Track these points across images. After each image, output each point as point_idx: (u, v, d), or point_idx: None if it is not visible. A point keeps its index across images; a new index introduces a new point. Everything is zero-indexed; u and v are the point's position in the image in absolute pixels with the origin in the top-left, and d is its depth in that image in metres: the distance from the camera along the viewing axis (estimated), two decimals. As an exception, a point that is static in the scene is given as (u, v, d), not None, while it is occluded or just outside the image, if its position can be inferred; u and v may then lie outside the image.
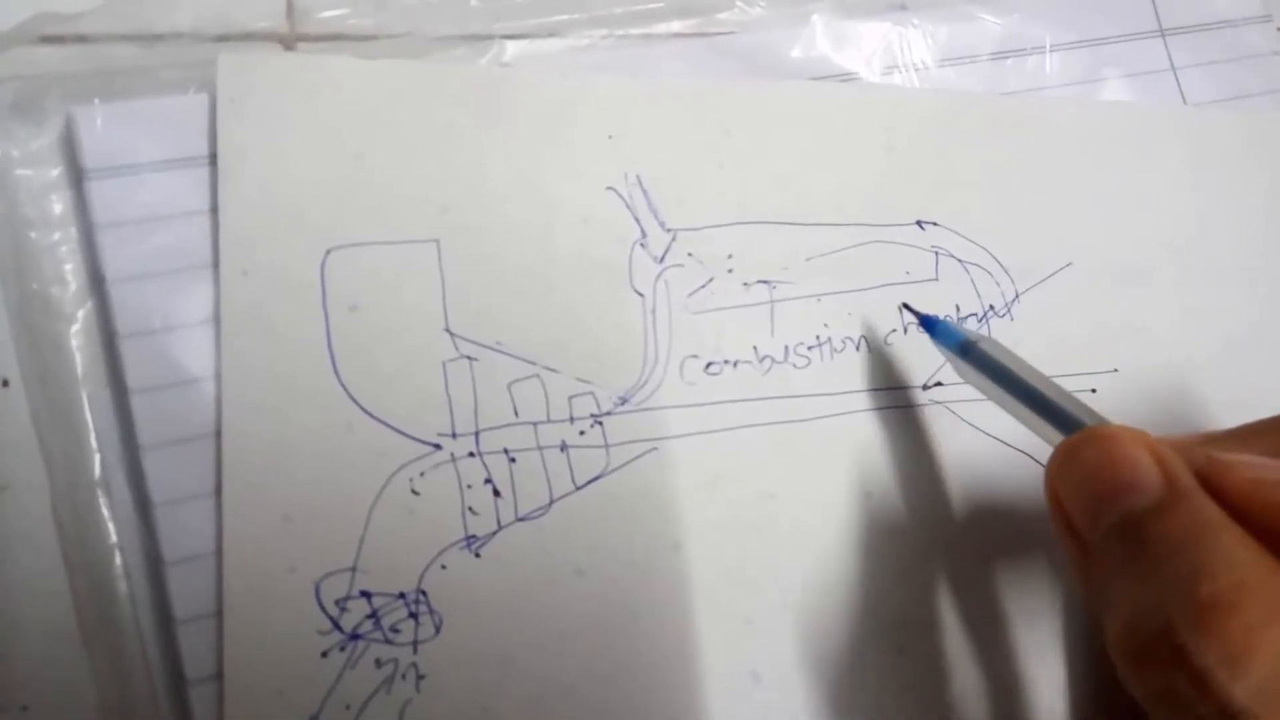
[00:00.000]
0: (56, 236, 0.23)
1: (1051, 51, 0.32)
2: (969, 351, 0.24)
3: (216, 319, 0.23)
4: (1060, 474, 0.21)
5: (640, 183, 0.26)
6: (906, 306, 0.27)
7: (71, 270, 0.23)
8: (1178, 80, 0.33)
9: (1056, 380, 0.23)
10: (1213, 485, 0.19)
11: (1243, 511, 0.18)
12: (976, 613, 0.26)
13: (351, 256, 0.23)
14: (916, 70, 0.30)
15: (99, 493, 0.22)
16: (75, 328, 0.22)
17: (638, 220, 0.26)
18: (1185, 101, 0.33)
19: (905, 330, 0.28)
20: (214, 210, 0.23)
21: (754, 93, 0.28)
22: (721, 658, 0.24)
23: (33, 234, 0.22)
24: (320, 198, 0.23)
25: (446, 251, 0.24)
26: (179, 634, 0.22)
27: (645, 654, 0.24)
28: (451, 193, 0.24)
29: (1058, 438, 0.22)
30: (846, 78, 0.29)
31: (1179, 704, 0.17)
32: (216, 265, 0.23)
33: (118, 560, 0.22)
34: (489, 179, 0.25)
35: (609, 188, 0.26)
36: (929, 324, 0.26)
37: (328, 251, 0.23)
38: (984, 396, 0.24)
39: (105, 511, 0.22)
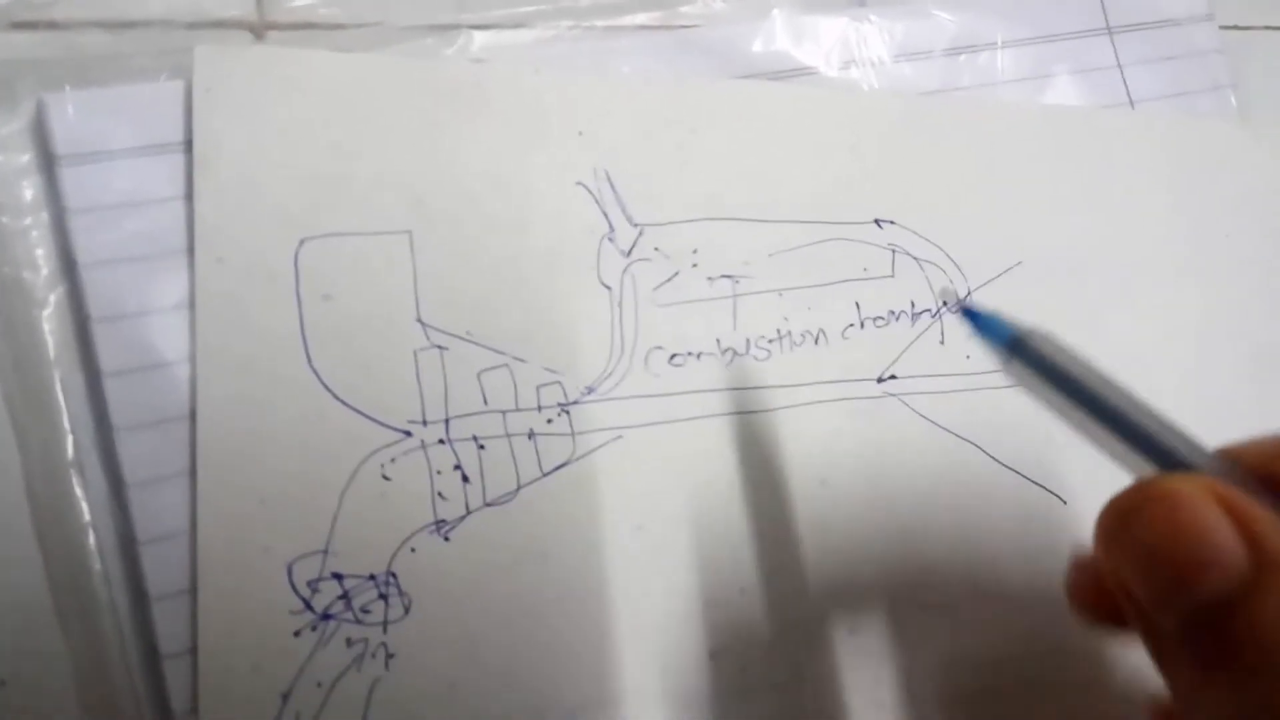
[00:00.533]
0: (28, 221, 0.23)
1: (1003, 48, 0.33)
2: (1018, 349, 0.20)
3: (190, 304, 0.23)
4: (1114, 541, 0.17)
5: (609, 178, 0.27)
6: (955, 300, 0.25)
7: (43, 255, 0.23)
8: (1124, 77, 0.34)
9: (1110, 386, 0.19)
10: None
11: None
12: (925, 597, 0.28)
13: (325, 246, 0.24)
14: (873, 65, 0.31)
15: (73, 474, 0.23)
16: (48, 311, 0.23)
17: (606, 215, 0.26)
18: (1130, 97, 0.34)
19: (862, 325, 0.29)
20: (187, 197, 0.23)
21: (719, 92, 0.28)
22: (680, 637, 0.25)
23: (4, 219, 0.23)
24: (295, 188, 0.24)
25: (419, 243, 0.25)
26: (153, 610, 0.22)
27: (607, 633, 0.25)
28: (425, 185, 0.25)
29: (1128, 455, 0.18)
30: (805, 72, 0.30)
31: None
32: (191, 251, 0.23)
33: (92, 539, 0.22)
34: (462, 172, 0.25)
35: (579, 183, 0.26)
36: (973, 316, 0.22)
37: (302, 241, 0.24)
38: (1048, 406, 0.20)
39: (79, 492, 0.23)
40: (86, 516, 0.22)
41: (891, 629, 0.27)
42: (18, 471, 0.22)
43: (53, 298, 0.23)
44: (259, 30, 0.26)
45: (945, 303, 0.28)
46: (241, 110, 0.24)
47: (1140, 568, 0.16)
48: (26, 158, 0.23)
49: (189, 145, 0.23)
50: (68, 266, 0.23)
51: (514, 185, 0.26)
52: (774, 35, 0.30)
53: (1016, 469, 0.29)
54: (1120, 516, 0.17)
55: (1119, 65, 0.34)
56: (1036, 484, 0.29)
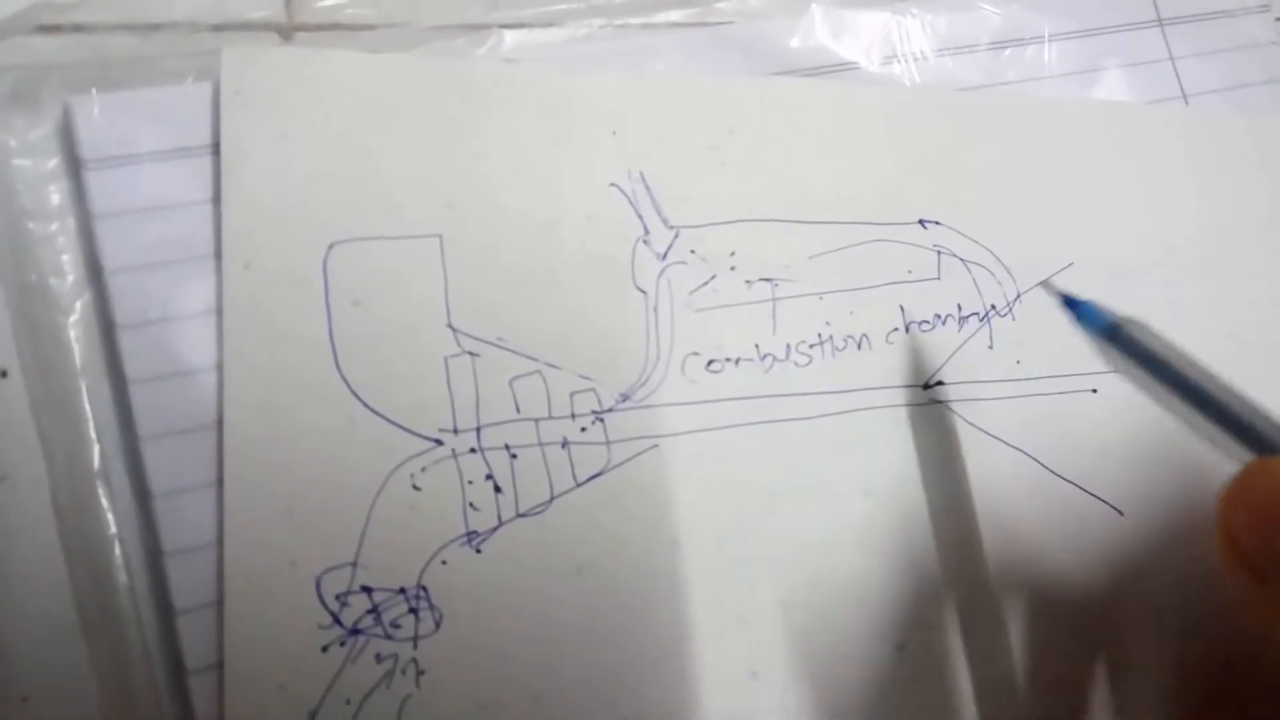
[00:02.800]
0: (54, 227, 0.23)
1: (1050, 41, 0.32)
2: (1116, 336, 0.23)
3: (217, 309, 0.23)
4: (1235, 504, 0.20)
5: (644, 179, 0.26)
6: (1046, 285, 0.25)
7: (69, 261, 0.23)
8: (1176, 70, 0.33)
9: (1202, 374, 0.22)
10: None
11: None
12: (976, 611, 0.26)
13: (355, 251, 0.23)
14: (915, 60, 0.30)
15: (98, 483, 0.22)
16: (74, 318, 0.22)
17: (640, 217, 0.26)
18: (1183, 92, 0.33)
19: (906, 329, 0.28)
20: (215, 200, 0.23)
21: (757, 90, 0.27)
22: (720, 655, 0.24)
23: (30, 224, 0.22)
24: (323, 192, 0.23)
25: (449, 247, 0.24)
26: (179, 624, 0.22)
27: (644, 651, 0.24)
28: (455, 188, 0.24)
29: (1224, 439, 0.21)
30: (845, 68, 0.29)
31: None
32: (217, 256, 0.23)
33: (117, 551, 0.22)
34: (492, 174, 0.25)
35: (612, 184, 0.26)
36: (1071, 304, 0.24)
37: (330, 246, 0.23)
38: (1144, 392, 0.23)
39: (105, 502, 0.22)
40: (112, 528, 0.22)
41: (942, 646, 0.26)
42: (43, 481, 0.22)
43: (79, 304, 0.23)
44: (286, 31, 0.25)
45: (1044, 283, 0.25)
46: (269, 113, 0.23)
47: (1257, 519, 0.19)
48: (53, 162, 0.23)
49: (216, 148, 0.23)
50: (94, 272, 0.22)
51: (546, 188, 0.25)
52: (813, 30, 0.29)
53: (1071, 479, 0.28)
54: (1246, 481, 0.20)
55: (1171, 58, 0.33)
56: (1092, 495, 0.28)
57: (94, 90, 0.23)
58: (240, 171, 0.23)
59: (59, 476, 0.22)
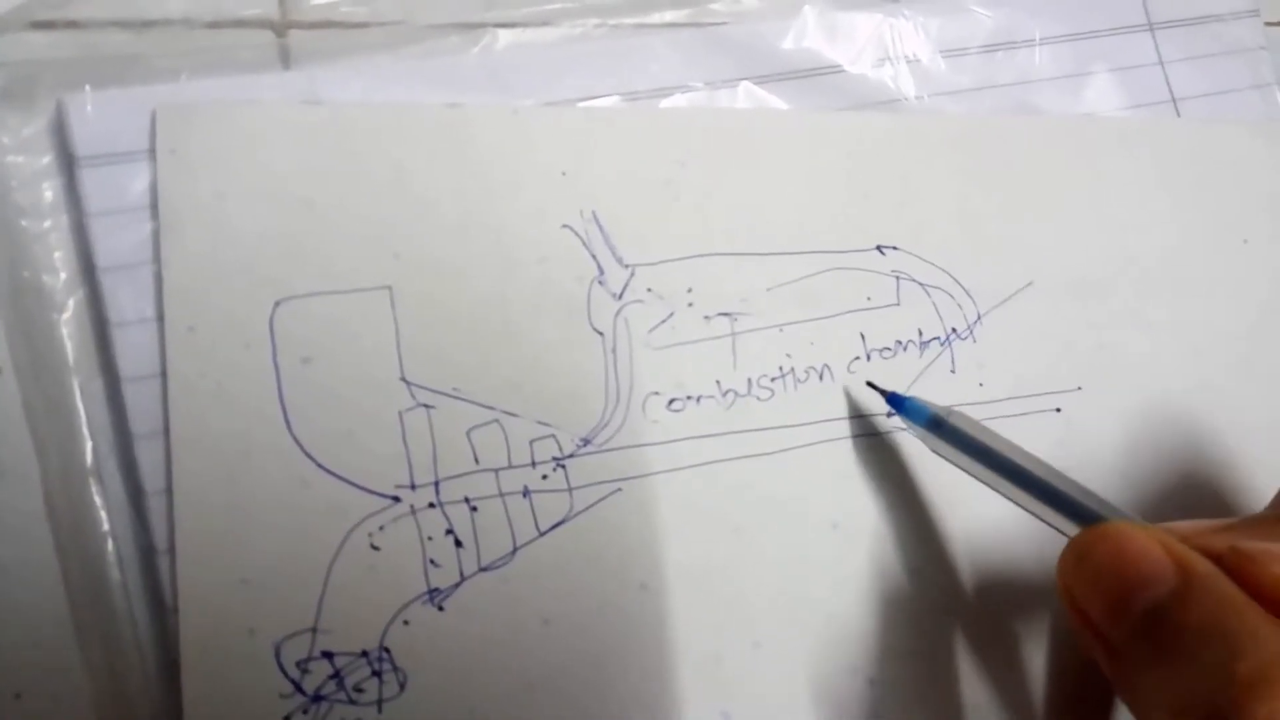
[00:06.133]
0: (47, 224, 0.22)
1: (1041, 45, 0.32)
2: (940, 427, 0.24)
3: (163, 374, 0.22)
4: (1073, 575, 0.21)
5: (596, 219, 0.25)
6: (871, 385, 0.26)
7: (62, 258, 0.22)
8: (1165, 74, 0.33)
9: (1020, 446, 0.24)
10: (1237, 576, 0.19)
11: (1273, 601, 0.18)
12: (946, 642, 0.26)
13: (302, 307, 0.23)
14: (908, 62, 0.30)
15: (91, 481, 0.22)
16: (66, 316, 0.22)
17: (595, 257, 0.25)
18: (1172, 95, 0.33)
19: (869, 357, 0.27)
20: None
21: (707, 120, 0.27)
22: (692, 699, 0.24)
23: (23, 222, 0.22)
24: (268, 248, 0.23)
25: (400, 298, 0.24)
26: (172, 622, 0.22)
27: (615, 700, 0.24)
28: (403, 238, 0.24)
29: (1052, 515, 0.22)
30: (835, 70, 0.29)
31: None
32: (161, 319, 0.22)
33: (110, 548, 0.22)
34: (441, 222, 0.24)
35: (564, 225, 0.25)
36: (895, 402, 0.26)
37: (277, 303, 0.23)
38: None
39: (98, 500, 0.22)
40: (106, 525, 0.22)
41: (915, 677, 0.26)
42: (36, 479, 0.22)
43: (72, 302, 0.22)
44: (280, 29, 0.25)
45: (870, 384, 0.27)
46: (208, 170, 0.23)
47: (1097, 589, 0.20)
48: (47, 159, 0.23)
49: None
50: (87, 270, 0.22)
51: (497, 232, 0.25)
52: (805, 32, 0.29)
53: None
54: (1079, 553, 0.21)
55: (1161, 62, 0.33)
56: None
57: (88, 87, 0.22)
58: (180, 232, 0.22)
59: (52, 474, 0.22)
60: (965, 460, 0.24)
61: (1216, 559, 0.19)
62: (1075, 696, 0.27)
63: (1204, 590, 0.18)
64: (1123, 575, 0.19)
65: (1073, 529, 0.22)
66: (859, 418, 0.27)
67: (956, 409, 0.25)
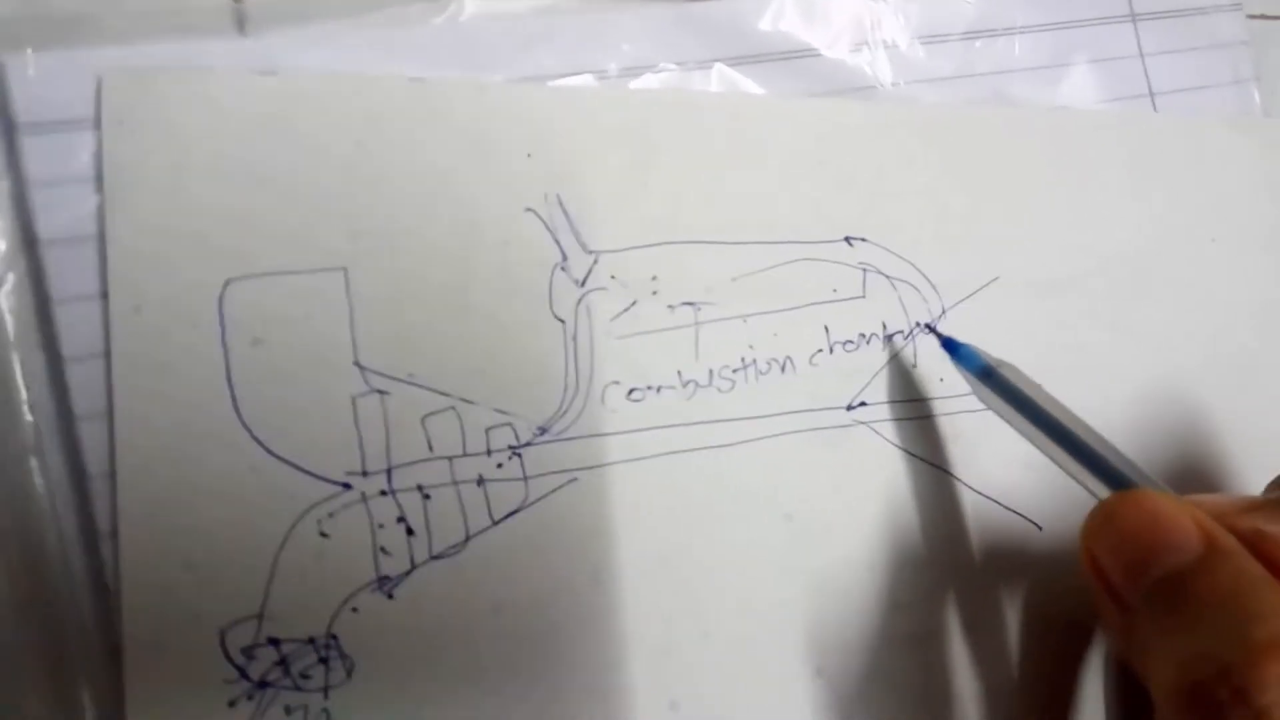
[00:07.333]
0: None
1: (1022, 33, 0.31)
2: (990, 376, 0.25)
3: (107, 353, 0.21)
4: (1098, 535, 0.21)
5: (561, 203, 0.25)
6: (929, 328, 0.27)
7: (2, 228, 0.21)
8: (1145, 67, 0.33)
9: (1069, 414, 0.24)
10: (1260, 556, 0.19)
11: None
12: (895, 632, 0.27)
13: (253, 287, 0.22)
14: (886, 48, 0.30)
15: (33, 461, 0.21)
16: (6, 289, 0.22)
17: (558, 243, 0.25)
18: (1150, 89, 0.33)
19: (831, 350, 0.27)
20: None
21: (679, 104, 0.26)
22: (642, 689, 0.24)
23: None
24: (218, 225, 0.22)
25: (355, 280, 0.23)
26: (115, 606, 0.21)
27: (564, 689, 0.24)
28: (360, 217, 0.23)
29: (1086, 476, 0.23)
30: (809, 53, 0.29)
31: None
32: (105, 297, 0.22)
33: (52, 531, 0.21)
34: (401, 202, 0.24)
35: (528, 209, 0.25)
36: (950, 347, 0.26)
37: (226, 283, 0.22)
38: (1008, 424, 0.25)
39: (39, 481, 0.22)
40: (47, 507, 0.21)
41: (861, 667, 0.26)
42: None
43: (12, 276, 0.22)
44: None
45: (928, 326, 0.27)
46: (157, 142, 0.22)
47: (1121, 550, 0.21)
48: None
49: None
50: (29, 242, 0.22)
51: (458, 214, 0.24)
52: (782, 13, 0.28)
53: (991, 496, 0.28)
54: (1108, 513, 0.21)
55: (1141, 54, 0.33)
56: (1012, 510, 0.28)
57: (29, 50, 0.21)
58: (126, 207, 0.21)
59: None
60: (1009, 412, 0.25)
61: (1240, 538, 0.20)
62: (1025, 687, 0.28)
63: (1227, 561, 0.19)
64: (1149, 539, 0.20)
65: (1104, 492, 0.22)
66: (818, 410, 0.27)
67: (1008, 362, 0.25)
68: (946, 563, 0.28)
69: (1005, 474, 0.28)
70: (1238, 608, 0.18)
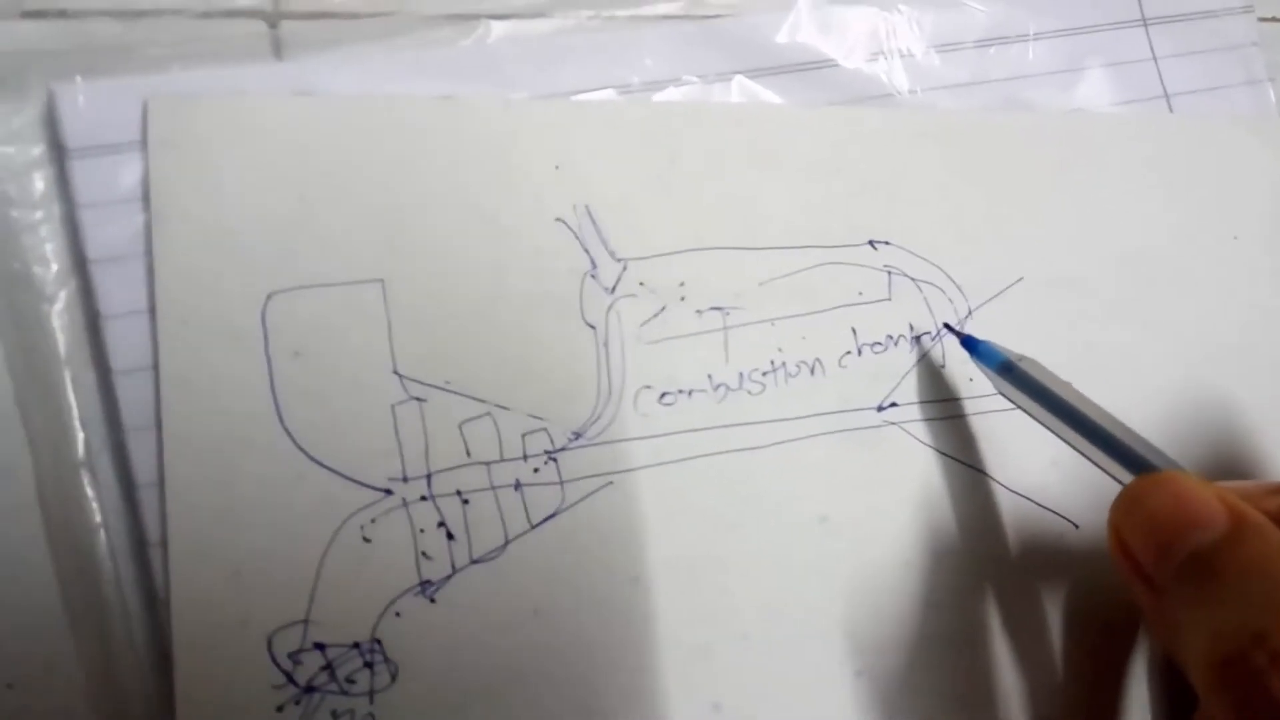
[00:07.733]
0: (39, 215, 0.22)
1: (1035, 40, 0.32)
2: (1011, 371, 0.25)
3: (155, 366, 0.22)
4: (1125, 519, 0.21)
5: (589, 213, 0.25)
6: (949, 327, 0.28)
7: (54, 250, 0.22)
8: (1159, 70, 0.33)
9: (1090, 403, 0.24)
10: None
11: None
12: (934, 632, 0.27)
13: (294, 300, 0.23)
14: (902, 57, 0.30)
15: (83, 473, 0.22)
16: (58, 307, 0.22)
17: (587, 251, 0.25)
18: (1165, 91, 0.33)
19: (860, 352, 0.27)
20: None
21: (701, 115, 0.27)
22: (682, 691, 0.24)
23: (14, 212, 0.22)
24: (260, 241, 0.23)
25: (392, 291, 0.24)
26: (164, 613, 0.22)
27: (605, 692, 0.24)
28: (395, 230, 0.24)
29: (1111, 464, 0.23)
30: (828, 64, 0.29)
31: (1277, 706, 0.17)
32: (152, 312, 0.22)
33: (102, 540, 0.22)
34: (434, 215, 0.24)
35: (558, 219, 0.25)
36: (969, 344, 0.27)
37: (269, 296, 0.23)
38: (1032, 418, 0.25)
39: (90, 492, 0.22)
40: (98, 518, 0.22)
41: (902, 668, 0.26)
42: (29, 472, 0.22)
43: (63, 294, 0.22)
44: (273, 19, 0.25)
45: (947, 325, 0.28)
46: (201, 162, 0.23)
47: (1146, 532, 0.21)
48: (38, 150, 0.22)
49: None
50: (78, 262, 0.22)
51: (489, 225, 0.25)
52: (799, 26, 0.29)
53: (1025, 494, 0.28)
54: (1135, 495, 0.22)
55: (1154, 58, 0.33)
56: (1047, 509, 0.28)
57: (78, 78, 0.22)
58: (171, 224, 0.22)
59: (44, 466, 0.22)
60: (1031, 405, 0.25)
61: (1267, 515, 0.20)
62: (1065, 686, 0.27)
63: (1255, 534, 0.19)
64: (1175, 518, 0.20)
65: (1129, 478, 0.23)
66: (849, 412, 0.27)
67: (1028, 357, 0.25)
68: (983, 562, 0.28)
69: (1039, 472, 0.28)
70: (1267, 576, 0.18)
